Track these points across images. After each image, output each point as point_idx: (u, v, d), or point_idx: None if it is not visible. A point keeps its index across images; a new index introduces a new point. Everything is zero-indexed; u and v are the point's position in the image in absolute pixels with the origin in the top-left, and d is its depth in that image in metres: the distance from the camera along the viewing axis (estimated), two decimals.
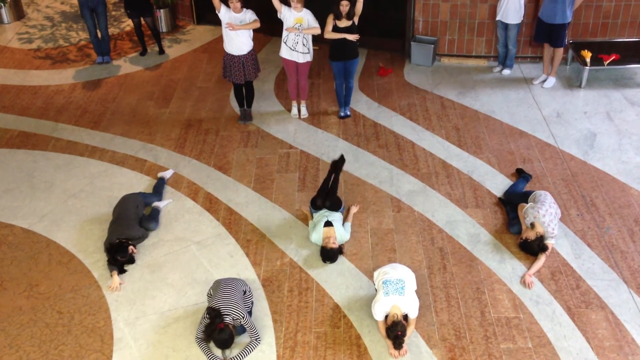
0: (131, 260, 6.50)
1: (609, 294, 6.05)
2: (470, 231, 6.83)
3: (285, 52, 8.35)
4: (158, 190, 7.41)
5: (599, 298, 6.01)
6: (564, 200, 7.17)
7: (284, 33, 8.22)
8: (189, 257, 6.61)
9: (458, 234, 6.80)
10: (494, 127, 8.51)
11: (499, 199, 7.23)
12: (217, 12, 7.99)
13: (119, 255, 6.37)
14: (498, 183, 7.47)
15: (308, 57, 8.37)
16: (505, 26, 9.36)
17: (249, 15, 8.00)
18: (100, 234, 6.89)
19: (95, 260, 6.58)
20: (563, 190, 7.31)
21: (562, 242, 6.63)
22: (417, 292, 5.83)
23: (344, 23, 8.03)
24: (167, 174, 7.69)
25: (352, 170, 7.75)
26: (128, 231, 6.60)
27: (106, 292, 6.21)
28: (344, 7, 7.88)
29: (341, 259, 6.51)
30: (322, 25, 8.09)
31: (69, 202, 7.40)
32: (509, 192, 7.23)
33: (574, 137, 8.25)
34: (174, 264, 6.53)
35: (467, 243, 6.68)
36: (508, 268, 6.36)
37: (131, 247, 6.50)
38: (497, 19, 9.37)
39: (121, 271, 6.41)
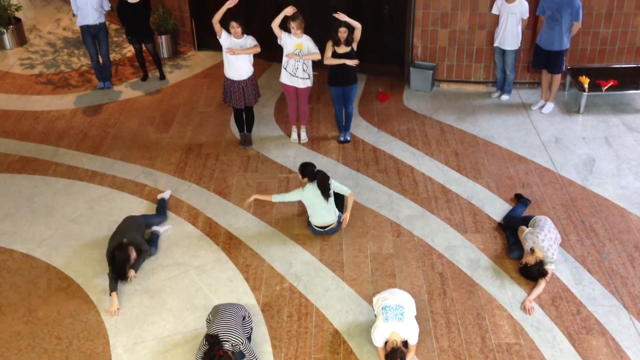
0: (131, 263, 6.54)
1: (610, 319, 6.03)
2: (470, 256, 6.83)
3: (285, 78, 8.41)
4: (161, 211, 7.42)
5: (600, 324, 5.99)
6: (564, 225, 7.18)
7: (284, 59, 8.29)
8: (188, 282, 6.59)
9: (458, 259, 6.79)
10: (493, 152, 8.54)
11: (499, 224, 7.23)
12: (218, 37, 8.06)
13: (117, 254, 6.42)
14: (497, 208, 7.48)
15: (308, 83, 8.43)
16: (503, 52, 9.44)
17: (249, 41, 8.07)
18: (99, 258, 6.88)
19: (94, 285, 6.56)
20: (562, 215, 7.31)
21: (562, 267, 6.62)
22: (417, 317, 5.81)
23: (342, 49, 8.10)
24: (165, 195, 7.71)
25: None
26: (130, 233, 6.66)
27: (105, 317, 6.19)
28: (342, 33, 7.96)
29: (341, 284, 6.50)
30: (322, 51, 8.16)
31: (68, 227, 7.40)
32: (508, 217, 7.24)
33: (572, 162, 8.27)
34: (173, 289, 6.51)
35: (467, 268, 6.67)
36: (508, 293, 6.34)
37: (131, 248, 6.56)
38: (495, 45, 9.45)
39: (122, 277, 6.44)
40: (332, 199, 6.99)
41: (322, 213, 6.98)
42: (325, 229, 7.07)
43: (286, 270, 6.70)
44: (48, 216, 7.58)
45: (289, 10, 7.93)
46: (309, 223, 7.14)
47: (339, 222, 7.12)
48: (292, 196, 7.03)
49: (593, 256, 6.77)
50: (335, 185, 7.05)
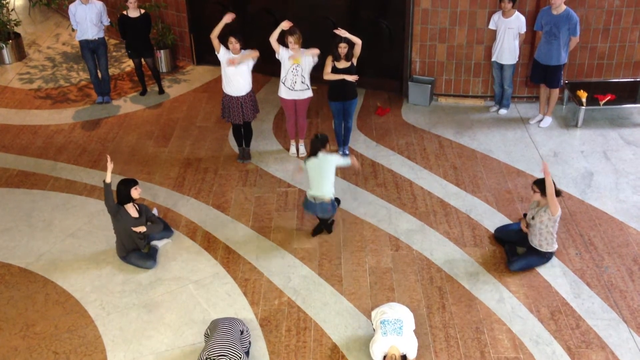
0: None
1: (609, 333, 6.01)
2: (469, 270, 6.82)
3: (284, 92, 8.44)
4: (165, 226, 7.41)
5: (599, 338, 5.97)
6: (562, 239, 7.17)
7: (282, 73, 8.32)
8: (187, 297, 6.57)
9: (457, 273, 6.78)
10: (491, 166, 8.55)
11: (494, 236, 7.22)
12: (216, 53, 8.10)
13: (123, 185, 6.76)
14: (496, 222, 7.47)
15: (308, 93, 8.46)
16: (501, 67, 9.48)
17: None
18: (97, 273, 6.87)
19: (92, 300, 6.54)
20: (561, 229, 7.31)
21: (561, 281, 6.61)
22: (415, 332, 5.79)
23: (342, 64, 8.13)
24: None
25: (351, 209, 7.76)
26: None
27: (102, 332, 6.16)
28: (342, 49, 8.00)
29: (339, 298, 6.48)
30: (322, 66, 8.20)
31: (66, 242, 7.38)
32: (501, 230, 7.22)
33: (571, 176, 8.28)
34: (171, 304, 6.49)
35: (466, 282, 6.66)
36: (507, 307, 6.33)
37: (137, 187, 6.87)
38: (493, 59, 9.49)
39: (126, 201, 6.80)
40: (327, 177, 7.08)
41: (315, 184, 7.10)
42: (316, 201, 7.10)
43: (285, 285, 6.68)
44: (46, 230, 7.57)
45: (285, 25, 7.98)
46: (305, 198, 7.27)
47: (333, 205, 7.17)
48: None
49: (592, 270, 6.77)
50: (338, 160, 7.20)
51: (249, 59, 8.12)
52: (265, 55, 8.64)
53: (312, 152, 7.15)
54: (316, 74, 8.48)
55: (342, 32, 7.92)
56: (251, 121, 8.59)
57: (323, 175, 7.06)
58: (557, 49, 8.83)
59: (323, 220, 7.31)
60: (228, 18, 7.96)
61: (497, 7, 9.29)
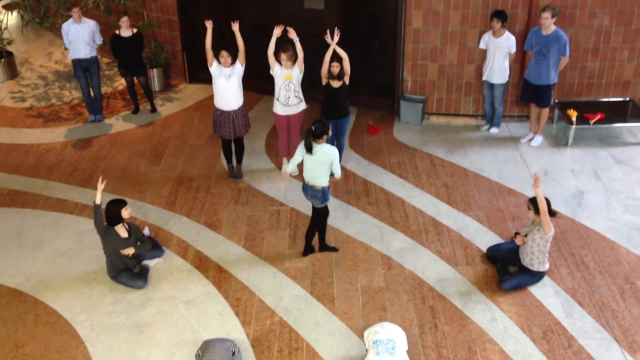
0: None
1: (601, 352, 6.01)
2: (461, 289, 6.81)
3: (278, 109, 8.46)
4: (153, 244, 7.37)
5: (591, 357, 5.96)
6: (554, 258, 7.19)
7: (276, 90, 8.35)
8: (177, 317, 6.53)
9: (449, 292, 6.77)
10: (482, 184, 8.58)
11: (486, 255, 7.23)
12: (209, 65, 8.14)
13: (113, 205, 6.77)
14: (488, 241, 7.49)
15: (302, 106, 8.49)
16: (491, 86, 9.55)
17: (237, 68, 8.14)
18: (88, 293, 6.83)
19: (82, 321, 6.49)
20: (553, 248, 7.32)
21: (553, 300, 6.62)
22: (408, 352, 5.77)
23: (336, 84, 8.17)
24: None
25: (343, 227, 7.76)
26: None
27: (92, 352, 6.11)
28: (335, 68, 8.05)
29: (332, 318, 6.46)
30: (316, 85, 8.23)
31: (57, 261, 7.34)
32: (493, 248, 7.23)
33: (562, 195, 8.32)
34: (162, 324, 6.45)
35: (458, 302, 6.65)
36: (499, 327, 6.32)
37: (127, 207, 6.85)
38: (483, 79, 9.56)
39: (116, 222, 6.80)
40: (321, 168, 6.88)
41: (308, 171, 6.93)
42: (308, 185, 6.99)
43: (277, 304, 6.66)
44: (36, 250, 7.53)
45: (278, 32, 8.05)
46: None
47: (323, 194, 7.02)
48: (297, 154, 6.99)
49: (584, 289, 6.78)
50: (334, 163, 6.90)
51: (240, 41, 8.11)
52: (258, 73, 8.68)
53: (307, 149, 6.86)
54: (308, 92, 8.52)
55: (332, 42, 8.00)
56: (243, 136, 8.60)
57: (317, 167, 6.89)
58: (547, 68, 8.90)
59: (314, 217, 7.23)
60: (208, 24, 8.06)
61: (488, 26, 9.37)
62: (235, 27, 8.05)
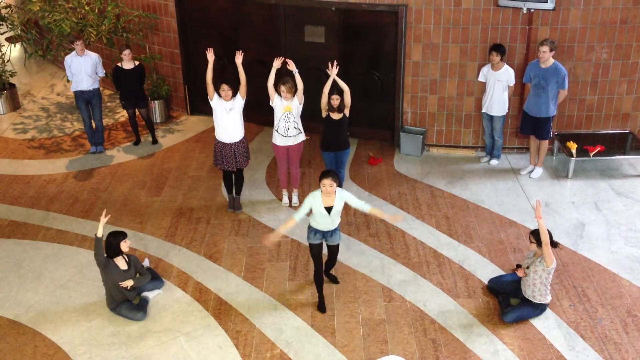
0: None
1: None
2: (462, 321, 6.77)
3: (278, 140, 8.50)
4: (153, 276, 7.34)
5: None
6: (556, 290, 7.15)
7: (275, 121, 8.40)
8: (177, 349, 6.47)
9: (451, 325, 6.72)
10: (483, 216, 8.58)
11: (488, 287, 7.20)
12: (209, 99, 8.19)
13: (113, 237, 6.74)
14: (489, 273, 7.46)
15: (301, 137, 8.53)
16: (491, 118, 9.60)
17: (238, 101, 8.19)
18: (87, 325, 6.78)
19: (81, 353, 6.43)
20: (555, 280, 7.30)
21: (555, 333, 6.57)
22: None
23: (336, 116, 8.22)
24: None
25: (343, 259, 7.73)
26: None
27: None
28: (335, 100, 8.10)
29: (332, 351, 6.40)
30: (315, 116, 8.28)
31: (56, 293, 7.30)
32: (495, 280, 7.19)
33: (562, 226, 8.31)
34: (161, 356, 6.39)
35: (460, 334, 6.60)
36: None
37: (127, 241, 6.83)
38: (483, 111, 9.62)
39: (115, 254, 6.78)
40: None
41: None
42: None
43: (277, 337, 6.61)
44: (36, 281, 7.49)
45: (277, 64, 8.12)
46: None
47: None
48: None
49: (586, 322, 6.73)
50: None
51: (241, 71, 8.17)
52: (258, 105, 8.74)
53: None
54: (307, 123, 8.57)
55: (332, 73, 8.06)
56: (243, 168, 8.63)
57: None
58: (546, 101, 8.96)
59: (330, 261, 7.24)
60: (209, 55, 8.13)
61: (487, 60, 9.46)
62: (239, 59, 8.13)
